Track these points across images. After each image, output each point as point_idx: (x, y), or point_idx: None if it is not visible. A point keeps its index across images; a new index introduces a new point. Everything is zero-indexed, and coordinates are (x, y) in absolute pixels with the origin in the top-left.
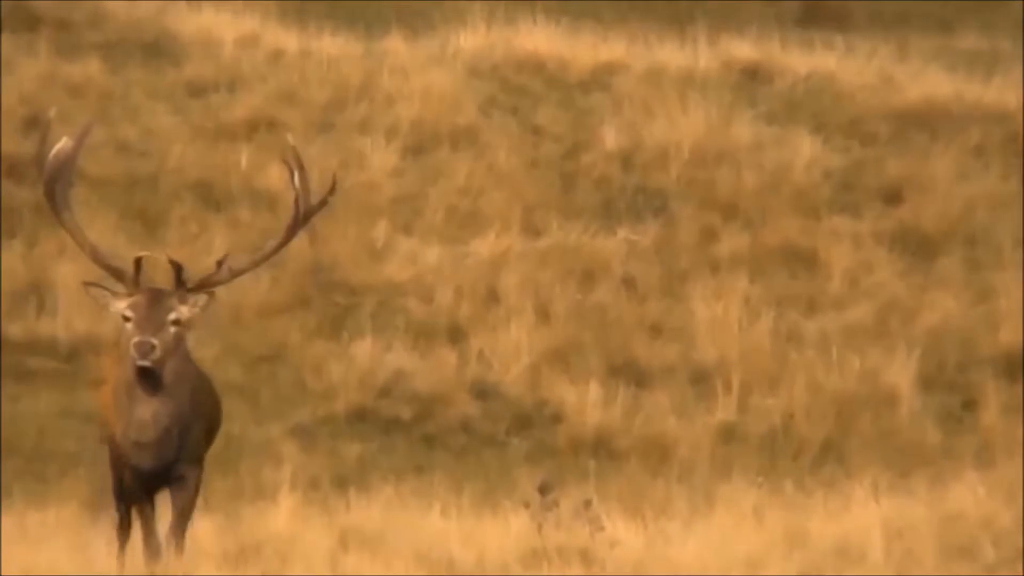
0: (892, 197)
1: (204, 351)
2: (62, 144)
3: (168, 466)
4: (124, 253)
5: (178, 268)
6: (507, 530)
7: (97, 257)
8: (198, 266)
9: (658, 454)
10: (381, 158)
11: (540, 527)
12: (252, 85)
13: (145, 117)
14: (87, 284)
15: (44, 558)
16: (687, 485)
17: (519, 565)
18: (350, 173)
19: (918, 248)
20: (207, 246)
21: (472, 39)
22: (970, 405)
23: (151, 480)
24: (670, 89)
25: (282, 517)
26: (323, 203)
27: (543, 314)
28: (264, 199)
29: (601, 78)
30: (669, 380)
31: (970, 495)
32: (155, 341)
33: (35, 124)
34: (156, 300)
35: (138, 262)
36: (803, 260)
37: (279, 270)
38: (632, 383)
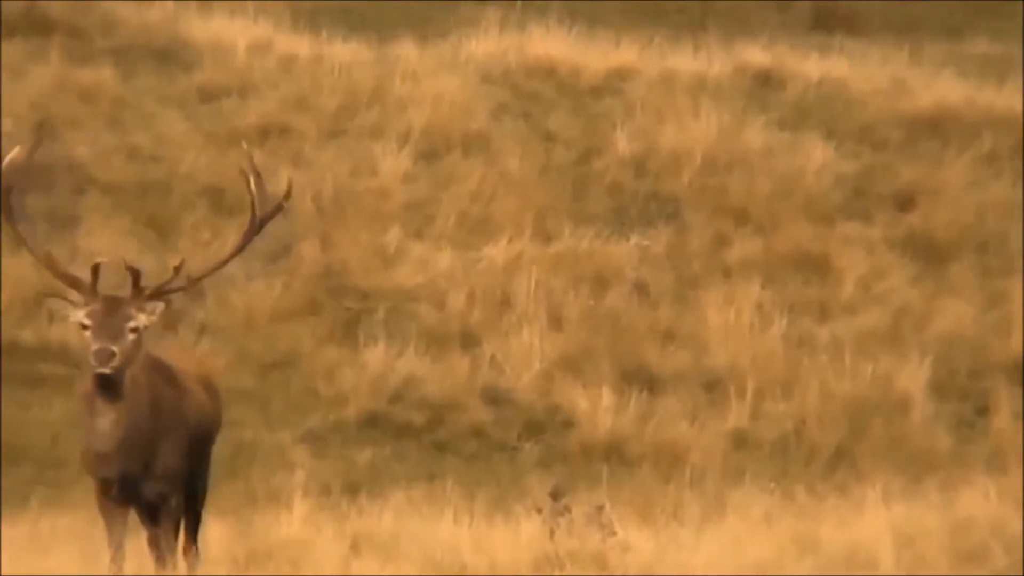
0: (904, 203)
1: (217, 358)
2: (14, 153)
3: (134, 481)
4: (137, 259)
5: (136, 274)
6: (519, 536)
7: (52, 266)
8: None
9: (670, 460)
10: (393, 164)
11: (552, 533)
12: (264, 91)
13: (157, 123)
14: (47, 296)
15: (56, 564)
16: (699, 491)
17: (531, 570)
18: (362, 179)
19: (930, 254)
20: (219, 252)
21: (484, 45)
22: (982, 411)
23: (120, 495)
24: (682, 95)
25: (294, 523)
26: (279, 208)
27: (555, 320)
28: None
29: (613, 84)
30: (681, 386)
31: (981, 501)
32: (115, 348)
33: (47, 130)
34: (114, 308)
35: (95, 269)
36: (815, 266)
37: (290, 276)
38: (644, 389)
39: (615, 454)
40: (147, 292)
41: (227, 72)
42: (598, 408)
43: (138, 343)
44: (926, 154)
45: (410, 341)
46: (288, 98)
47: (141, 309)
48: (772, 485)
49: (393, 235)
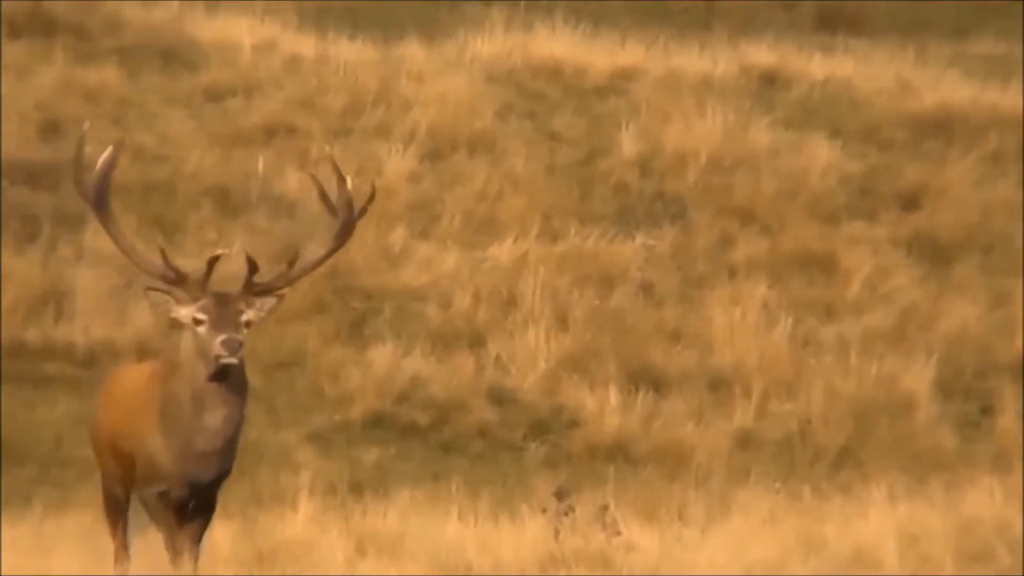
0: (909, 203)
1: None
2: (108, 153)
3: (220, 477)
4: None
5: (253, 267)
6: (524, 535)
7: (151, 267)
8: (216, 273)
9: (675, 459)
10: (398, 164)
11: (557, 532)
12: (269, 91)
13: (162, 123)
14: (148, 289)
15: (61, 565)
16: (704, 490)
17: (536, 570)
18: (367, 179)
19: (935, 254)
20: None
21: (489, 45)
22: (987, 411)
23: (193, 496)
24: (687, 95)
25: (299, 523)
26: (363, 211)
27: (561, 320)
28: (281, 205)
29: (618, 84)
30: (686, 386)
31: (987, 501)
32: (241, 338)
33: (53, 130)
34: (226, 302)
35: (211, 264)
36: (820, 266)
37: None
38: (649, 389)
39: (620, 454)
40: (257, 288)
41: (233, 72)
42: (604, 408)
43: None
44: (931, 154)
45: (416, 341)
46: (294, 98)
47: (251, 305)
48: (777, 485)
49: (399, 235)
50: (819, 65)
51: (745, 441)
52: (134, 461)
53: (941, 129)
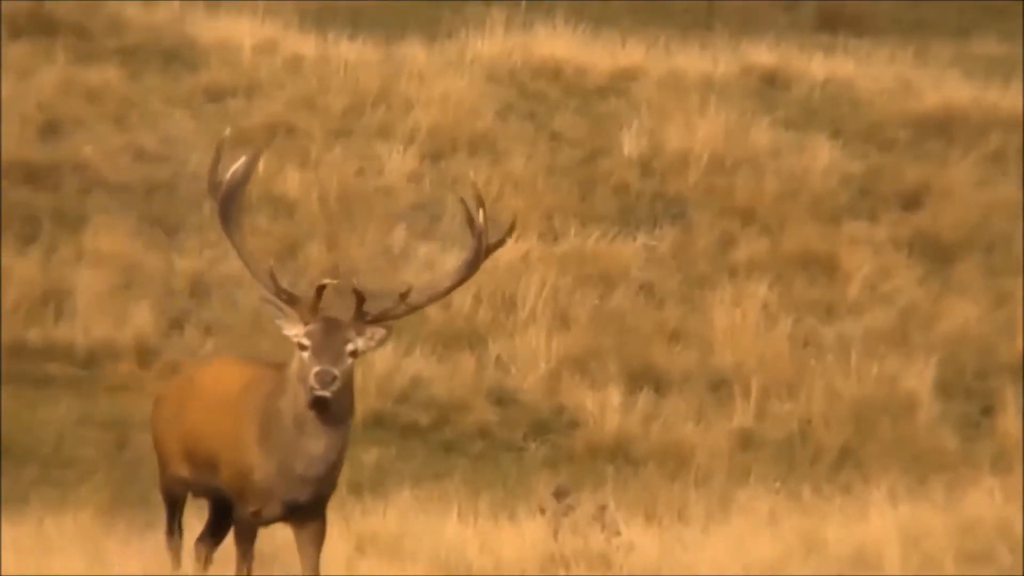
0: (910, 203)
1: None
2: (239, 164)
3: (321, 498)
4: (143, 260)
5: (361, 298)
6: (524, 535)
7: (272, 283)
8: (217, 273)
9: (676, 460)
10: (399, 164)
11: (556, 532)
12: (270, 91)
13: (163, 123)
14: (265, 298)
15: (61, 565)
16: (704, 491)
17: (536, 570)
18: (368, 179)
19: (936, 254)
20: (225, 252)
21: (490, 45)
22: (988, 411)
23: (287, 515)
24: (688, 95)
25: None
26: (501, 243)
27: (561, 320)
28: (282, 206)
29: (619, 84)
30: (687, 386)
31: (987, 501)
32: (336, 372)
33: (53, 131)
34: (334, 330)
35: (320, 291)
36: (821, 266)
37: (297, 276)
38: (650, 389)
39: (621, 454)
40: (368, 317)
41: (234, 72)
42: (604, 408)
43: (353, 368)
44: (932, 154)
45: (416, 341)
46: (294, 98)
47: (360, 333)
48: (778, 485)
49: (399, 235)
50: (820, 65)
51: (745, 441)
52: (216, 466)
53: (942, 129)
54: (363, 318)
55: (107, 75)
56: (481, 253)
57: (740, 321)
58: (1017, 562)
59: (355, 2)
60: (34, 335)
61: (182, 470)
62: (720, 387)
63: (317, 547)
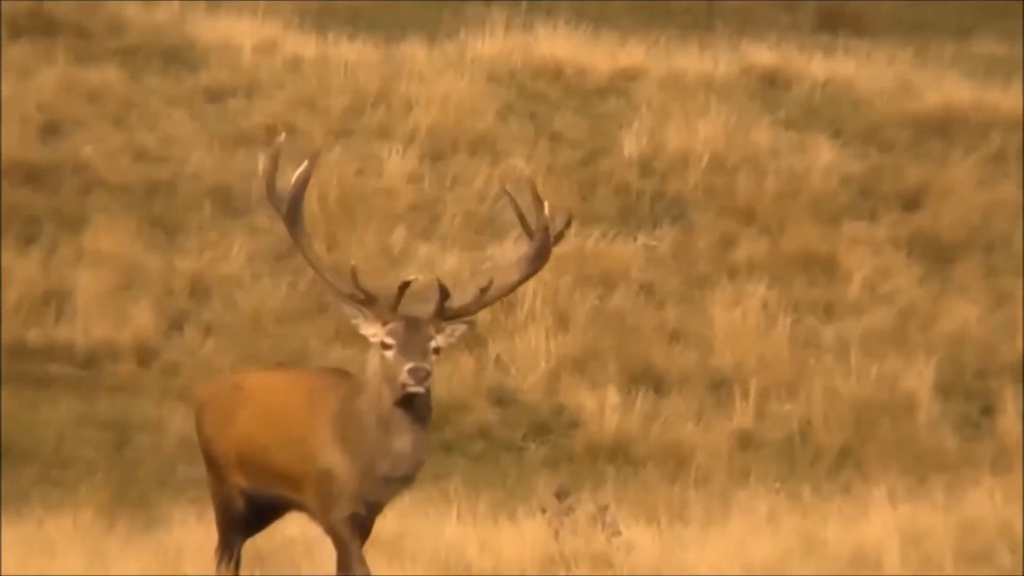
0: (910, 203)
1: (223, 358)
2: (304, 168)
3: (376, 511)
4: (143, 260)
5: (444, 293)
6: (524, 536)
7: (340, 284)
8: (217, 273)
9: (676, 460)
10: (399, 164)
11: (557, 533)
12: (270, 91)
13: (163, 123)
14: (340, 299)
15: (61, 565)
16: (704, 491)
17: (536, 570)
18: (368, 179)
19: (936, 254)
20: (225, 252)
21: (490, 45)
22: (988, 411)
23: (368, 516)
24: (689, 95)
25: (298, 523)
26: (560, 236)
27: (561, 320)
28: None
29: (619, 84)
30: (687, 386)
31: (987, 501)
32: (429, 367)
33: (53, 131)
34: (416, 327)
35: (403, 288)
36: (821, 266)
37: (297, 277)
38: (650, 389)
39: (621, 454)
40: (447, 313)
41: (234, 72)
42: (604, 408)
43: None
44: (932, 154)
45: None
46: (295, 98)
47: (440, 330)
48: (777, 485)
49: (399, 235)
50: (820, 65)
51: (745, 441)
52: (282, 476)
53: (942, 129)
54: (442, 315)
55: (107, 75)
56: (549, 245)
57: (740, 321)
58: (1017, 562)
59: (355, 2)
60: (34, 335)
61: (240, 480)
62: (720, 387)
63: (362, 542)
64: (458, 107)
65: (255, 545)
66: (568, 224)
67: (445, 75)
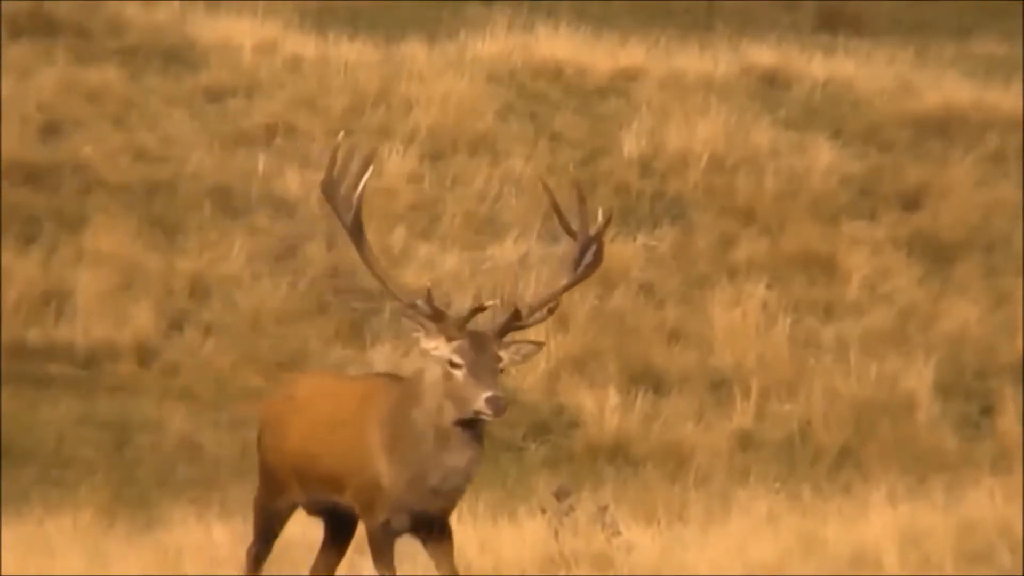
0: (910, 203)
1: (223, 358)
2: (369, 173)
3: (447, 512)
4: (143, 260)
5: (516, 317)
6: (524, 536)
7: (405, 295)
8: (217, 273)
9: (675, 460)
10: (399, 164)
11: (557, 533)
12: (270, 91)
13: (163, 123)
14: (403, 313)
15: (61, 565)
16: (704, 491)
17: (536, 570)
18: (368, 179)
19: (936, 254)
20: (225, 252)
21: (491, 45)
22: (988, 411)
23: (416, 527)
24: (689, 95)
25: (298, 523)
26: (602, 234)
27: (561, 320)
28: (282, 205)
29: (619, 84)
30: (687, 386)
31: (987, 501)
32: (506, 397)
33: (53, 131)
34: (483, 346)
35: (474, 311)
36: (821, 266)
37: (297, 276)
38: (650, 389)
39: (621, 454)
40: (510, 331)
41: (234, 72)
42: (604, 408)
43: None
44: (932, 154)
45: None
46: (295, 98)
47: (503, 347)
48: (777, 485)
49: (399, 235)
50: (820, 65)
51: (745, 441)
52: (336, 482)
53: (942, 129)
54: (507, 332)
55: (107, 75)
56: (599, 247)
57: (740, 321)
58: (1017, 562)
59: (355, 2)
60: (34, 335)
61: (294, 492)
62: (720, 387)
63: (450, 553)
64: (458, 107)
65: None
66: (608, 221)
67: (445, 75)
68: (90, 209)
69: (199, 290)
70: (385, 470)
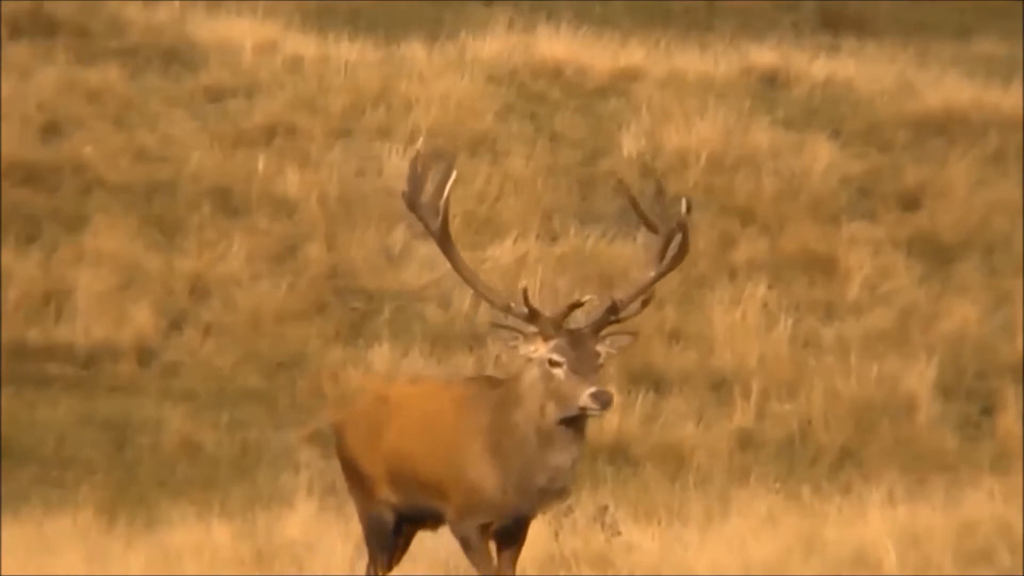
0: (910, 203)
1: (222, 358)
2: (453, 178)
3: (528, 518)
4: (143, 260)
5: (613, 309)
6: None
7: (498, 300)
8: (217, 273)
9: (675, 460)
10: (399, 164)
11: (557, 533)
12: (270, 91)
13: (163, 124)
14: (494, 326)
15: (61, 565)
16: (704, 491)
17: (536, 570)
18: (368, 179)
19: (936, 254)
20: (225, 252)
21: (491, 45)
22: (988, 412)
23: (514, 528)
24: (688, 95)
25: (299, 523)
26: (684, 223)
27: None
28: (282, 206)
29: (619, 84)
30: (687, 386)
31: (987, 501)
32: (611, 391)
33: (54, 131)
34: (581, 342)
35: (571, 308)
36: (821, 266)
37: (297, 277)
38: (650, 389)
39: (620, 454)
40: (606, 325)
41: (234, 72)
42: None
43: None
44: (932, 154)
45: (416, 341)
46: (295, 98)
47: (599, 341)
48: (777, 485)
49: (399, 235)
50: (820, 65)
51: (745, 441)
52: (433, 487)
53: (942, 129)
54: (603, 327)
55: (107, 75)
56: (685, 236)
57: (740, 321)
58: (1017, 562)
59: (355, 2)
60: (34, 335)
61: (389, 494)
62: (720, 387)
63: (517, 555)
64: (458, 107)
65: (255, 545)
66: (689, 209)
67: (445, 75)
68: (90, 209)
69: (199, 290)
70: (488, 476)
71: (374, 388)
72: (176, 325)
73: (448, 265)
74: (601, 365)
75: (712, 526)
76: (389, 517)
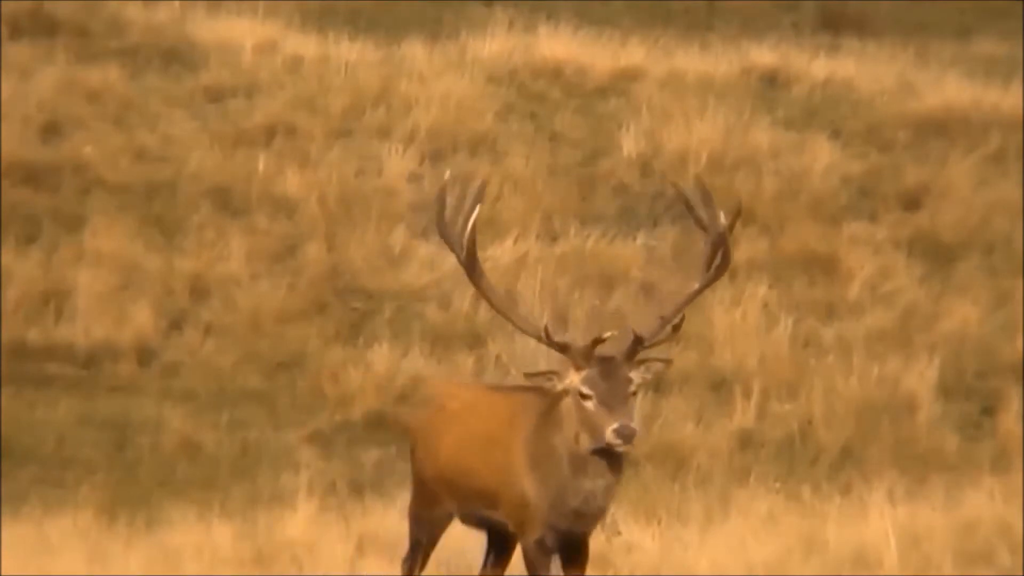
0: (911, 203)
1: (222, 358)
2: (479, 208)
3: (585, 535)
4: (143, 260)
5: (639, 342)
6: None
7: (530, 328)
8: (217, 273)
9: (676, 460)
10: (399, 164)
11: None
12: (270, 91)
13: (163, 124)
14: (527, 375)
15: (61, 565)
16: (704, 491)
17: None
18: (368, 179)
19: (937, 255)
20: (225, 252)
21: (491, 45)
22: (988, 412)
23: (564, 544)
24: (689, 95)
25: (299, 523)
26: (732, 227)
27: (561, 320)
28: (282, 206)
29: (619, 84)
30: (687, 386)
31: (987, 502)
32: (636, 427)
33: (54, 131)
34: (612, 372)
35: (597, 342)
36: (821, 266)
37: (297, 277)
38: (650, 389)
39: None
40: (639, 351)
41: (234, 72)
42: None
43: None
44: (933, 154)
45: (416, 341)
46: (295, 98)
47: (632, 368)
48: (778, 485)
49: (399, 235)
50: (820, 65)
51: (745, 441)
52: (490, 497)
53: (942, 130)
54: (635, 354)
55: (107, 75)
56: (728, 247)
57: (740, 321)
58: (1017, 562)
59: (355, 2)
60: (34, 335)
61: (448, 503)
62: (720, 387)
63: (582, 571)
64: (458, 107)
65: (255, 545)
66: (738, 215)
67: (445, 75)
68: (90, 209)
69: (199, 290)
70: (531, 488)
71: (433, 394)
72: (176, 325)
73: (448, 265)
74: (634, 393)
75: (712, 526)
76: (441, 524)
